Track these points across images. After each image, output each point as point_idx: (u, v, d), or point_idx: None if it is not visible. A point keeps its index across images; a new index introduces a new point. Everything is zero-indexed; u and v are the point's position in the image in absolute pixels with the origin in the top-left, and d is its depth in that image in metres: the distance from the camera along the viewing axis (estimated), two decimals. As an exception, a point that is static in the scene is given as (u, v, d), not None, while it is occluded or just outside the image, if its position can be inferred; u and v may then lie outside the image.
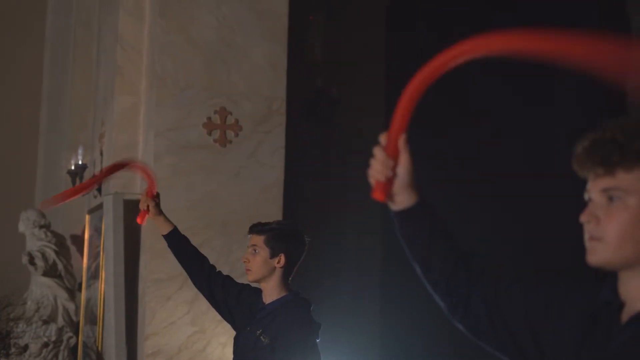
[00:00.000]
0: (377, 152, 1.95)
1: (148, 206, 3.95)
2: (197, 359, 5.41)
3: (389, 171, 1.93)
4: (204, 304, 5.35)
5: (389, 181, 1.94)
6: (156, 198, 3.99)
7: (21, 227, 6.72)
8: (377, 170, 1.95)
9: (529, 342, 1.89)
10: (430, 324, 7.24)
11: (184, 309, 5.40)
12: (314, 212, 6.60)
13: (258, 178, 5.64)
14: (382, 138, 1.95)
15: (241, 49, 5.70)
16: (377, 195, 1.95)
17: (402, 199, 1.97)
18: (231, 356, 5.38)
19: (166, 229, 3.99)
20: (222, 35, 5.68)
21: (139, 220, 4.05)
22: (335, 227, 6.97)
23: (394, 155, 1.93)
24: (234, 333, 4.51)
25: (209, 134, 5.56)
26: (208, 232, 5.51)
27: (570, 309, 1.86)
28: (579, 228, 1.79)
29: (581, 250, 1.78)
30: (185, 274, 5.19)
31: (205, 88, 5.60)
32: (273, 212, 5.48)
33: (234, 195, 5.60)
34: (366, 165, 6.44)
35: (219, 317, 5.31)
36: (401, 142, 1.94)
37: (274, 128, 5.71)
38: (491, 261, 2.01)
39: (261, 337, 3.55)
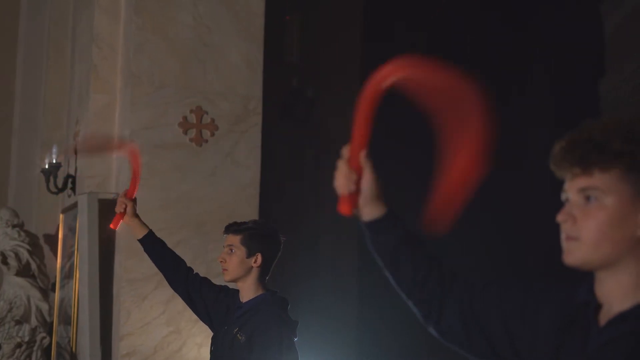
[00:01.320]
0: (340, 165, 1.97)
1: (125, 209, 3.91)
2: None
3: (352, 185, 1.95)
4: (179, 304, 5.34)
5: (353, 195, 1.95)
6: (134, 200, 3.96)
7: (-7, 227, 6.65)
8: (341, 183, 1.96)
9: (506, 346, 1.90)
10: (407, 323, 7.28)
11: (159, 309, 5.38)
12: (289, 212, 6.60)
13: (234, 178, 5.62)
14: (345, 151, 1.96)
15: (217, 48, 5.68)
16: (343, 209, 1.97)
17: (368, 211, 1.98)
18: (207, 356, 5.40)
19: (141, 233, 3.96)
20: (198, 34, 5.66)
21: (112, 225, 4.00)
22: (311, 227, 6.97)
23: (357, 169, 1.95)
24: (210, 333, 4.50)
25: (185, 133, 5.53)
26: (184, 231, 5.49)
27: (546, 310, 1.87)
28: (556, 228, 1.80)
29: (558, 250, 1.79)
30: (160, 274, 5.19)
31: (181, 87, 5.58)
32: (249, 212, 5.47)
33: (210, 195, 5.58)
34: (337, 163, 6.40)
35: (195, 317, 5.30)
36: (362, 157, 1.95)
37: (250, 128, 5.69)
38: (470, 264, 2.03)
39: (238, 335, 3.55)
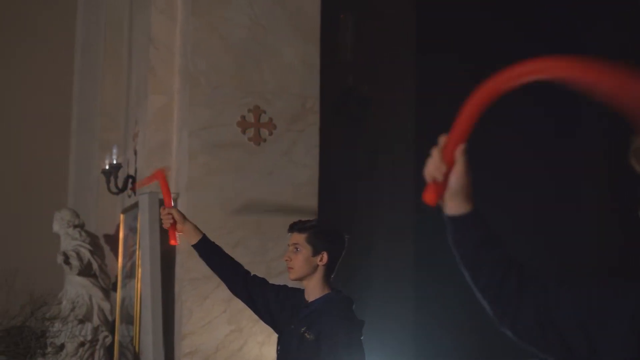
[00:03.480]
0: (434, 153, 1.93)
1: (173, 219, 3.91)
2: (234, 358, 5.41)
3: (440, 175, 1.92)
4: (240, 302, 5.33)
5: (440, 186, 1.92)
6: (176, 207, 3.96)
7: (55, 227, 6.75)
8: (429, 171, 1.93)
9: (583, 346, 1.88)
10: (463, 323, 7.24)
11: (220, 308, 5.41)
12: (345, 211, 6.59)
13: (292, 177, 5.63)
14: (441, 140, 1.93)
15: (273, 47, 5.70)
16: (427, 198, 1.93)
17: (453, 206, 1.95)
18: (269, 355, 5.43)
19: (195, 238, 3.94)
20: (254, 34, 5.68)
21: (172, 241, 4.00)
22: (367, 225, 6.96)
23: (449, 161, 1.91)
24: (271, 332, 4.52)
25: (243, 132, 5.56)
26: (242, 231, 5.51)
27: (625, 308, 1.84)
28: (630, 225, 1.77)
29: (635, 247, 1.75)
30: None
31: (238, 87, 5.60)
32: (307, 211, 5.48)
33: (268, 194, 5.60)
34: (396, 164, 6.41)
35: (256, 316, 5.35)
36: (458, 151, 1.92)
37: (308, 127, 5.70)
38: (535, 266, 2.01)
39: (305, 334, 3.55)
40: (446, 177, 1.91)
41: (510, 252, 2.00)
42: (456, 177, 1.92)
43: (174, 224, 3.91)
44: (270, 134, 5.62)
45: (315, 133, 5.72)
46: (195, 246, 3.92)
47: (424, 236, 7.04)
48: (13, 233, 7.42)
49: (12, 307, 6.53)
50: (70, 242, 6.65)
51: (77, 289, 6.59)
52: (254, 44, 5.65)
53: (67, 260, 6.53)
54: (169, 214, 3.92)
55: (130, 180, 6.33)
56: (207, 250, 3.92)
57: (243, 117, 5.57)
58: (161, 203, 5.52)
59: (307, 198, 5.63)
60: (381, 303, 6.81)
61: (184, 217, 3.93)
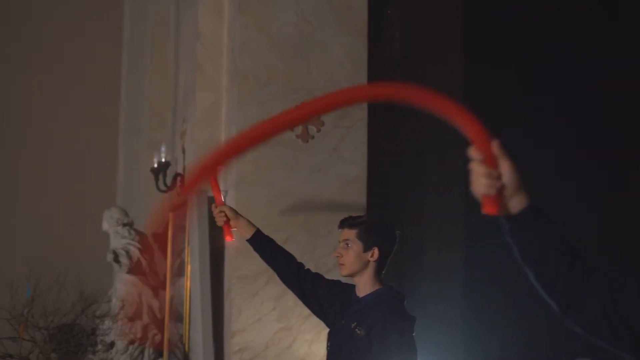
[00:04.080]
0: (476, 167, 1.84)
1: (226, 215, 3.89)
2: (284, 356, 5.40)
3: (497, 182, 1.86)
4: (290, 300, 5.36)
5: (499, 192, 1.86)
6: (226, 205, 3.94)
7: (105, 226, 6.79)
8: (483, 185, 1.85)
9: None
10: (512, 322, 7.16)
11: (270, 306, 5.40)
12: (394, 207, 6.55)
13: (340, 173, 5.61)
14: (473, 152, 1.86)
15: (321, 44, 5.68)
16: (489, 210, 1.85)
17: (512, 205, 1.89)
18: (318, 352, 5.41)
19: (249, 233, 3.92)
20: (301, 31, 5.66)
21: (227, 238, 3.97)
22: (415, 222, 6.90)
23: (494, 165, 1.85)
24: (320, 330, 4.50)
25: (291, 129, 5.54)
26: (291, 228, 5.49)
27: None
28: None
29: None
30: (270, 270, 5.20)
31: (286, 83, 5.59)
32: (356, 207, 5.44)
33: (316, 191, 5.58)
34: (445, 159, 6.33)
35: (305, 313, 5.32)
36: (495, 149, 1.86)
37: (356, 123, 5.67)
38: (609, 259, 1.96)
39: (356, 329, 3.52)
40: (500, 180, 1.85)
41: (573, 242, 1.95)
42: (508, 174, 1.86)
43: (227, 220, 3.89)
44: (319, 130, 5.60)
45: (364, 129, 5.68)
46: (249, 240, 3.90)
47: (473, 234, 6.98)
48: (64, 232, 7.49)
49: (63, 305, 6.59)
50: (120, 240, 6.69)
51: (126, 287, 6.63)
52: (301, 40, 5.64)
53: (116, 259, 6.57)
54: (221, 211, 3.90)
55: (178, 178, 6.35)
56: (262, 243, 3.91)
57: (291, 113, 5.54)
58: (212, 201, 5.54)
59: (356, 194, 5.60)
60: (430, 302, 6.75)
61: (236, 213, 3.91)
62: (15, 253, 7.18)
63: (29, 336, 6.49)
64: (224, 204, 3.94)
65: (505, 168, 1.86)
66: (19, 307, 6.51)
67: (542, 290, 1.95)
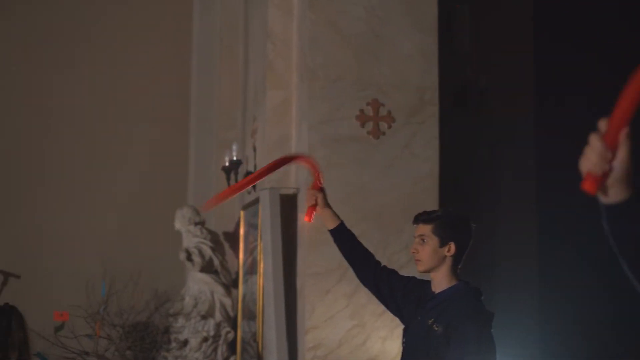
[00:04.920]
0: (594, 142, 1.79)
1: (316, 200, 3.91)
2: (357, 353, 5.38)
3: (606, 164, 1.80)
4: (363, 297, 5.34)
5: (605, 174, 1.81)
6: (323, 190, 3.95)
7: (177, 225, 6.86)
8: (592, 161, 1.80)
9: None
10: (590, 320, 7.02)
11: (343, 303, 5.39)
12: (466, 203, 6.47)
13: (412, 170, 5.57)
14: (602, 125, 1.81)
15: (390, 39, 5.65)
16: (588, 187, 1.81)
17: (614, 193, 1.84)
18: (391, 350, 5.37)
19: (333, 224, 3.92)
20: (371, 26, 5.64)
21: (306, 218, 3.98)
22: (488, 219, 6.82)
23: (613, 148, 1.79)
24: (394, 327, 4.45)
25: (362, 126, 5.52)
26: (363, 225, 5.46)
27: None
28: None
29: None
30: (343, 267, 5.20)
31: (356, 80, 5.57)
32: (427, 203, 5.39)
33: (388, 188, 5.55)
34: (516, 156, 6.20)
35: (379, 310, 5.30)
36: (623, 135, 1.80)
37: (427, 119, 5.63)
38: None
39: (433, 326, 3.47)
40: (611, 164, 1.80)
41: None
42: (621, 162, 1.81)
43: (315, 205, 3.90)
44: (389, 127, 5.57)
45: (435, 125, 5.64)
46: (332, 231, 3.91)
47: (547, 228, 6.87)
48: (137, 231, 7.59)
49: (138, 303, 6.68)
50: (192, 239, 6.75)
51: (199, 285, 6.69)
52: (371, 36, 5.61)
53: (189, 257, 6.63)
54: (314, 195, 3.91)
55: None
56: (343, 237, 3.91)
57: (362, 110, 5.54)
58: (285, 198, 5.56)
59: (428, 191, 5.56)
60: (505, 295, 6.66)
61: (326, 202, 3.91)
62: (90, 253, 7.29)
63: (105, 334, 6.59)
64: (320, 189, 3.94)
65: (622, 155, 1.81)
66: (95, 306, 6.62)
67: (636, 281, 1.90)
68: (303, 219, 4.06)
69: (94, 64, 7.93)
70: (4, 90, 7.78)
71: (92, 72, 7.91)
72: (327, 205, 3.91)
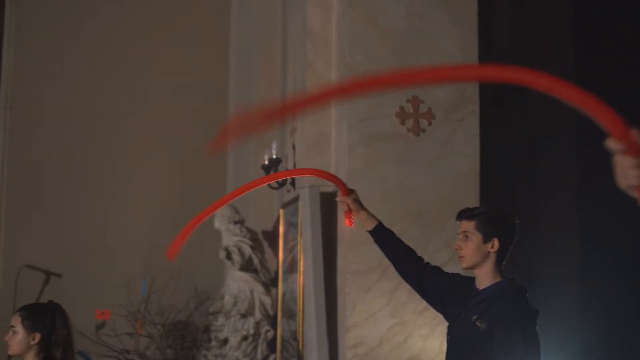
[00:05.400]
0: (620, 160, 1.74)
1: (348, 206, 3.89)
2: (398, 351, 5.36)
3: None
4: (403, 295, 5.32)
5: None
6: (353, 194, 3.93)
7: (216, 224, 6.89)
8: (634, 176, 1.75)
9: None
10: (632, 320, 6.93)
11: (383, 301, 5.37)
12: (507, 200, 6.42)
13: (452, 167, 5.54)
14: (612, 144, 1.76)
15: (430, 36, 5.62)
16: None
17: None
18: (433, 348, 5.35)
19: (371, 224, 3.91)
20: (410, 23, 5.61)
21: (347, 222, 3.99)
22: (529, 217, 6.75)
23: (637, 153, 1.75)
24: (435, 325, 4.41)
25: (402, 123, 5.50)
26: (403, 223, 5.44)
27: None
28: None
29: None
30: (383, 265, 5.18)
31: (396, 77, 5.53)
32: (468, 201, 5.35)
33: (428, 185, 5.52)
34: (558, 153, 6.13)
35: (420, 308, 5.27)
36: (635, 137, 1.76)
37: (467, 115, 5.59)
38: None
39: (477, 322, 3.45)
40: None
41: None
42: None
43: (350, 210, 3.89)
44: (430, 124, 5.54)
45: (475, 122, 5.60)
46: (371, 232, 3.90)
47: (588, 226, 6.79)
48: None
49: (178, 302, 6.71)
50: (232, 237, 6.77)
51: (238, 283, 6.70)
52: (410, 32, 5.59)
53: (229, 256, 6.65)
54: (344, 202, 3.90)
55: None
56: (382, 236, 3.90)
57: (402, 107, 5.52)
58: (325, 196, 5.55)
59: (468, 188, 5.52)
60: (547, 294, 6.60)
61: (359, 205, 3.90)
62: (131, 252, 7.34)
63: (146, 332, 6.63)
64: (348, 195, 3.92)
65: None
66: (135, 304, 6.66)
67: None
68: (344, 222, 4.04)
69: (133, 64, 7.98)
70: (47, 93, 7.85)
71: (131, 72, 7.96)
72: (362, 207, 3.90)
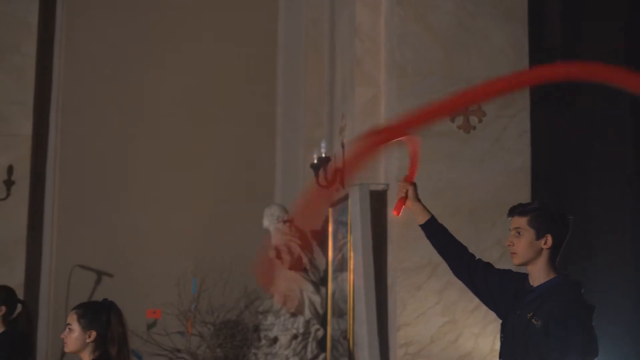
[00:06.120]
0: None
1: (406, 193, 3.86)
2: (449, 350, 5.33)
3: None
4: (454, 293, 5.28)
5: None
6: (415, 184, 3.90)
7: (265, 223, 6.90)
8: None
9: None
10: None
11: (434, 299, 5.34)
12: (559, 197, 6.35)
13: (504, 164, 5.50)
14: None
15: (480, 32, 5.59)
16: None
17: None
18: (484, 347, 5.30)
19: (423, 218, 3.87)
20: (460, 20, 5.59)
21: (395, 211, 3.93)
22: (581, 214, 6.67)
23: None
24: (487, 323, 4.36)
25: (452, 120, 5.47)
26: (454, 220, 5.37)
27: None
28: None
29: None
30: (433, 263, 5.15)
31: (446, 75, 5.52)
32: (520, 198, 5.28)
33: (479, 182, 5.48)
34: (610, 150, 6.05)
35: (470, 307, 5.23)
36: None
37: (519, 112, 5.55)
38: None
39: (532, 319, 3.40)
40: None
41: None
42: None
43: (405, 197, 3.85)
44: (480, 121, 5.50)
45: (526, 118, 5.56)
46: (422, 226, 3.85)
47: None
48: (226, 230, 7.64)
49: (228, 301, 6.74)
50: (281, 237, 6.78)
51: (288, 282, 6.70)
52: (460, 29, 5.56)
53: (278, 255, 6.66)
54: (405, 187, 3.86)
55: (338, 173, 6.37)
56: (434, 231, 3.85)
57: (451, 104, 5.47)
58: (374, 194, 5.53)
59: (520, 185, 5.48)
60: (600, 291, 6.51)
61: (416, 196, 3.86)
62: (181, 251, 7.39)
63: (197, 331, 6.67)
64: (412, 182, 3.89)
65: None
66: (186, 304, 6.71)
67: None
68: (391, 212, 4.00)
69: (181, 65, 8.02)
70: (97, 95, 7.94)
71: (179, 73, 8.00)
72: (418, 199, 3.86)
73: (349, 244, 5.82)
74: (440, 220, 5.19)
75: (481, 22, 5.57)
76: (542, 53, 6.29)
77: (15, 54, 7.58)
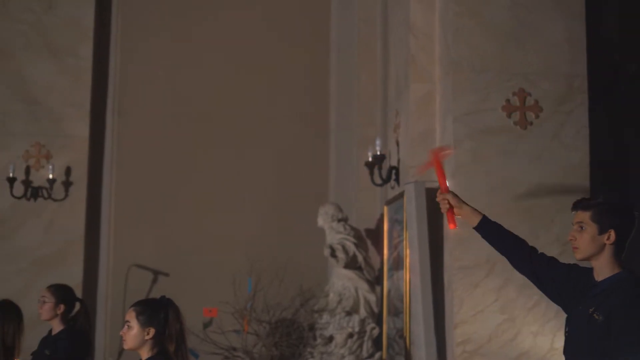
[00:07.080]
0: None
1: (449, 203, 3.80)
2: (507, 348, 5.26)
3: None
4: (512, 291, 5.22)
5: None
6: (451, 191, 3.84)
7: (320, 222, 6.90)
8: None
9: None
10: None
11: (491, 297, 5.28)
12: (618, 193, 6.24)
13: (561, 160, 5.43)
14: None
15: (536, 27, 5.52)
16: None
17: None
18: (543, 345, 5.23)
19: (475, 220, 3.80)
20: (515, 15, 5.52)
21: (451, 225, 3.87)
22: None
23: None
24: (545, 321, 4.28)
25: (509, 116, 5.41)
26: (511, 217, 5.33)
27: None
28: None
29: None
30: (491, 261, 5.09)
31: (502, 70, 5.46)
32: (579, 194, 5.21)
33: (537, 179, 5.41)
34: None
35: (529, 305, 5.16)
36: None
37: (576, 107, 5.47)
38: None
39: (594, 314, 3.34)
40: None
41: None
42: None
43: (451, 208, 3.80)
44: (537, 116, 5.43)
45: (584, 113, 5.47)
46: (476, 228, 3.79)
47: None
48: (281, 229, 7.66)
49: (283, 300, 6.74)
50: (335, 235, 6.77)
51: (343, 281, 6.70)
52: (515, 24, 5.50)
53: (333, 254, 6.65)
54: (444, 199, 3.81)
55: (393, 171, 6.34)
56: (490, 230, 3.79)
57: (508, 100, 5.43)
58: (429, 192, 5.50)
59: (579, 181, 5.40)
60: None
61: (460, 201, 3.81)
62: (236, 250, 7.41)
63: (252, 330, 6.68)
64: (448, 191, 3.84)
65: None
66: (241, 302, 6.73)
67: None
68: (448, 227, 3.94)
69: (235, 66, 8.06)
70: (153, 97, 8.00)
71: (233, 73, 8.04)
72: (462, 202, 3.80)
73: (404, 242, 5.79)
74: (496, 218, 5.13)
75: (537, 16, 5.49)
76: (600, 47, 6.18)
77: (72, 56, 7.68)
